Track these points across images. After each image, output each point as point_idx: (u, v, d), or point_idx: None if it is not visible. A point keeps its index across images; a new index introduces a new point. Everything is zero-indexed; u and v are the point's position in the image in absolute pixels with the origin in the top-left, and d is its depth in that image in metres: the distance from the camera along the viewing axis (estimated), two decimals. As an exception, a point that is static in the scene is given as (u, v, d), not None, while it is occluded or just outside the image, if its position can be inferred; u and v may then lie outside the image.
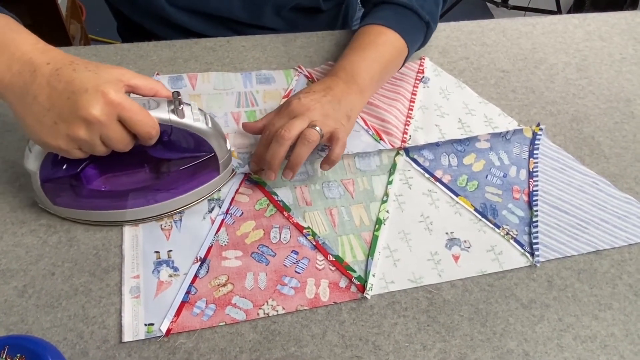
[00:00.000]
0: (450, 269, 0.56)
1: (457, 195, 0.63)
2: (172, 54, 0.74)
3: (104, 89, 0.44)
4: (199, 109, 0.52)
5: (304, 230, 0.57)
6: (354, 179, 0.63)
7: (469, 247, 0.58)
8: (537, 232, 0.60)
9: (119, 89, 0.45)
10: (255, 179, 0.61)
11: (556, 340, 0.52)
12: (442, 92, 0.75)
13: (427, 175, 0.64)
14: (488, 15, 2.54)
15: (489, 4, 2.52)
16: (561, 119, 0.74)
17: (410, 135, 0.68)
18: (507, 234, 0.60)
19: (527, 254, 0.58)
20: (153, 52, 0.74)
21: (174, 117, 0.49)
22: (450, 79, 0.77)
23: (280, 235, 0.57)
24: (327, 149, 0.61)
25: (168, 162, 0.55)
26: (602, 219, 0.62)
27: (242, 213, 0.58)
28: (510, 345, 0.51)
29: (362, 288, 0.53)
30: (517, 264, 0.57)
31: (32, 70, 0.45)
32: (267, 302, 0.52)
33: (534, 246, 0.58)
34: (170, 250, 0.54)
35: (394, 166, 0.65)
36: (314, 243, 0.57)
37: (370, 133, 0.67)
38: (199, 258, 0.54)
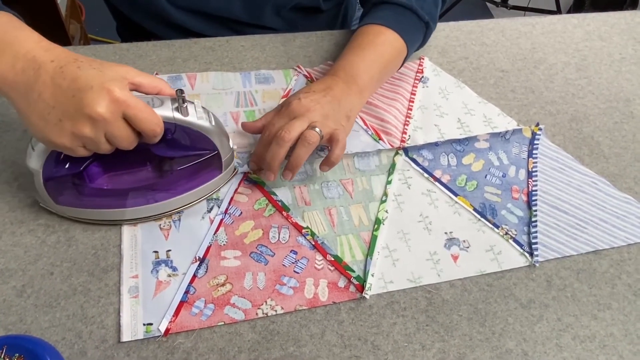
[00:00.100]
0: (449, 269, 0.56)
1: (456, 195, 0.63)
2: (171, 53, 0.74)
3: (109, 86, 0.44)
4: (203, 107, 0.52)
5: (303, 230, 0.57)
6: (353, 178, 0.63)
7: (468, 247, 0.58)
8: (536, 232, 0.60)
9: (123, 86, 0.45)
10: (254, 179, 0.61)
11: (555, 340, 0.52)
12: (441, 92, 0.75)
13: (426, 175, 0.64)
14: (488, 15, 2.54)
15: (488, 4, 2.52)
16: (560, 118, 0.74)
17: (409, 135, 0.68)
18: (506, 233, 0.60)
19: (526, 253, 0.58)
20: (152, 52, 0.74)
21: (178, 115, 0.49)
22: (449, 78, 0.77)
23: (279, 235, 0.57)
24: (326, 149, 0.61)
25: (171, 160, 0.55)
26: (601, 218, 0.62)
27: (241, 213, 0.58)
28: (509, 345, 0.51)
29: (361, 288, 0.53)
30: (516, 263, 0.57)
31: (36, 68, 0.45)
32: (266, 301, 0.52)
33: (533, 246, 0.58)
34: (169, 250, 0.54)
35: (393, 166, 0.65)
36: (313, 243, 0.56)
37: (370, 133, 0.67)
38: (197, 258, 0.54)
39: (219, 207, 0.58)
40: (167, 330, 0.49)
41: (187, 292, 0.52)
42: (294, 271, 0.54)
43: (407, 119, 0.70)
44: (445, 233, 0.59)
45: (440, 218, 0.60)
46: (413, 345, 0.50)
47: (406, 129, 0.68)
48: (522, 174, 0.66)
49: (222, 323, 0.50)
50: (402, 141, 0.67)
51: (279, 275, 0.54)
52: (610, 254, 0.60)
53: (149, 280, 0.52)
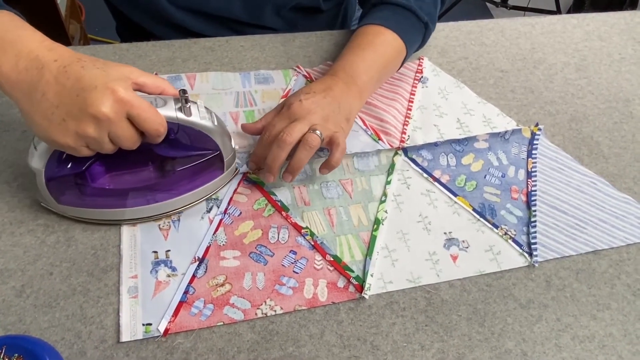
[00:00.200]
0: (448, 269, 0.56)
1: (455, 195, 0.63)
2: (171, 53, 0.74)
3: (113, 86, 0.44)
4: (205, 108, 0.53)
5: (303, 230, 0.57)
6: (352, 179, 0.63)
7: (467, 247, 0.58)
8: (535, 232, 0.60)
9: (127, 86, 0.46)
10: (253, 179, 0.61)
11: (554, 340, 0.52)
12: (440, 92, 0.75)
13: (425, 175, 0.64)
14: (487, 15, 2.54)
15: (488, 4, 2.52)
16: (560, 119, 0.74)
17: (408, 135, 0.68)
18: (506, 234, 0.60)
19: (525, 254, 0.58)
20: (152, 52, 0.74)
21: (181, 115, 0.50)
22: (449, 79, 0.77)
23: (278, 235, 0.57)
24: (325, 150, 0.61)
25: (173, 160, 0.55)
26: (600, 219, 0.62)
27: (241, 213, 0.58)
28: (509, 345, 0.51)
29: (360, 288, 0.53)
30: (515, 264, 0.57)
31: (40, 68, 0.45)
32: (265, 302, 0.52)
33: (532, 246, 0.58)
34: (169, 250, 0.54)
35: (392, 166, 0.65)
36: (312, 243, 0.57)
37: (369, 133, 0.67)
38: (197, 258, 0.54)
39: (218, 207, 0.58)
40: (166, 330, 0.49)
41: (186, 292, 0.52)
42: (293, 271, 0.54)
43: (407, 119, 0.70)
44: (445, 233, 0.59)
45: (440, 218, 0.60)
46: (412, 345, 0.50)
47: (405, 129, 0.68)
48: (522, 174, 0.66)
49: (222, 323, 0.50)
50: (402, 141, 0.67)
51: (278, 276, 0.54)
52: (609, 254, 0.60)
53: (148, 281, 0.52)
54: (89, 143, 0.47)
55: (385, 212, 0.60)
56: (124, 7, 0.82)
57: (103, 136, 0.46)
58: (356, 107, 0.63)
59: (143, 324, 0.49)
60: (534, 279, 0.57)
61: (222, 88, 0.71)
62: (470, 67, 0.79)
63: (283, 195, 0.60)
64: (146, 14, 0.80)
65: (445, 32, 0.84)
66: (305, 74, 0.74)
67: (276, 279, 0.53)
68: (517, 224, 0.61)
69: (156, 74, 0.71)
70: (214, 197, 0.59)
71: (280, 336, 0.50)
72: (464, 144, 0.68)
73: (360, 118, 0.69)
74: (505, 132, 0.69)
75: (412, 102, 0.72)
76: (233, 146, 0.57)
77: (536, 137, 0.70)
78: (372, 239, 0.57)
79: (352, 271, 0.55)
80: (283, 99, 0.69)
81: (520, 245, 0.59)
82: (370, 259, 0.56)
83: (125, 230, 0.55)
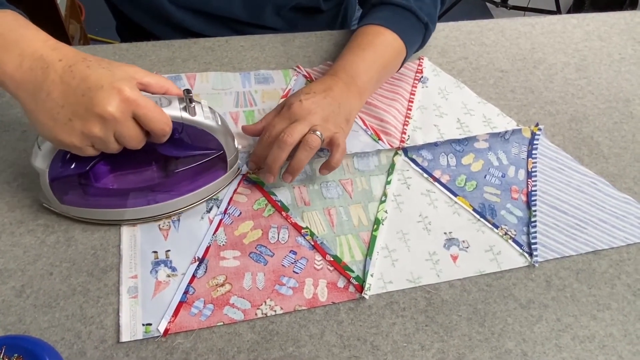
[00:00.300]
0: (448, 269, 0.56)
1: (455, 195, 0.63)
2: (171, 53, 0.74)
3: (120, 86, 0.44)
4: (209, 107, 0.53)
5: (302, 230, 0.57)
6: (352, 179, 0.63)
7: (467, 247, 0.58)
8: (535, 232, 0.60)
9: (133, 86, 0.46)
10: (253, 179, 0.61)
11: (554, 340, 0.52)
12: (440, 92, 0.75)
13: (425, 175, 0.64)
14: (487, 15, 2.54)
15: (488, 4, 2.52)
16: (560, 119, 0.74)
17: (408, 135, 0.68)
18: (506, 234, 0.60)
19: (525, 254, 0.58)
20: (152, 52, 0.74)
21: (185, 115, 0.50)
22: (449, 79, 0.77)
23: (278, 235, 0.57)
24: (325, 150, 0.61)
25: (177, 159, 0.55)
26: (600, 219, 0.62)
27: (240, 213, 0.58)
28: (509, 346, 0.51)
29: (361, 288, 0.53)
30: (515, 264, 0.57)
31: (45, 67, 0.45)
32: (265, 302, 0.52)
33: (533, 246, 0.58)
34: (168, 250, 0.54)
35: (392, 166, 0.65)
36: (312, 243, 0.56)
37: (369, 133, 0.67)
38: (197, 258, 0.54)
39: (218, 208, 0.58)
40: (166, 330, 0.49)
41: (186, 292, 0.52)
42: (293, 271, 0.54)
43: (407, 119, 0.70)
44: (445, 233, 0.59)
45: (440, 218, 0.60)
46: (412, 345, 0.50)
47: (405, 129, 0.68)
48: (522, 174, 0.66)
49: (222, 323, 0.50)
50: (402, 141, 0.67)
51: (278, 276, 0.54)
52: (609, 254, 0.60)
53: (148, 281, 0.52)
54: (94, 143, 0.47)
55: (386, 212, 0.60)
56: (125, 6, 0.82)
57: (109, 136, 0.46)
58: (356, 107, 0.63)
59: (143, 324, 0.49)
60: (534, 279, 0.57)
61: (222, 88, 0.71)
62: (471, 67, 0.79)
63: (283, 195, 0.60)
64: (147, 14, 0.80)
65: (445, 32, 0.84)
66: (305, 74, 0.74)
67: (276, 279, 0.53)
68: (517, 224, 0.61)
69: (156, 73, 0.71)
70: (214, 197, 0.59)
71: (280, 336, 0.50)
72: (464, 144, 0.68)
73: (360, 118, 0.69)
74: (506, 132, 0.69)
75: (412, 102, 0.72)
76: (236, 146, 0.57)
77: (536, 137, 0.70)
78: (372, 239, 0.57)
79: (352, 271, 0.55)
80: (283, 99, 0.69)
81: (520, 245, 0.59)
82: (370, 259, 0.56)
83: (125, 230, 0.55)
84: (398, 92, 0.73)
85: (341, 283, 0.54)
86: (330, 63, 0.75)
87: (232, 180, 0.60)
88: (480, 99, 0.74)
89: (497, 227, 0.60)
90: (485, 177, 0.65)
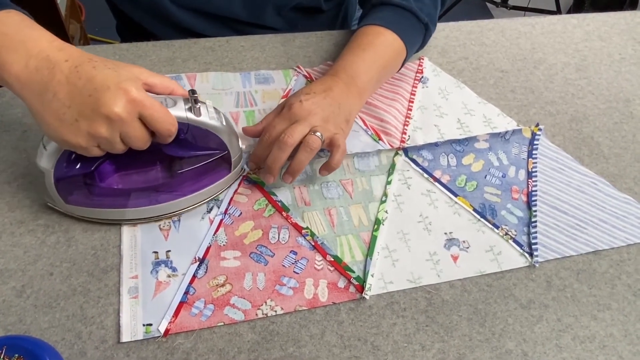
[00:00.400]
0: (449, 269, 0.56)
1: (456, 195, 0.63)
2: (171, 53, 0.74)
3: (126, 86, 0.44)
4: (214, 108, 0.53)
5: (303, 231, 0.57)
6: (352, 179, 0.63)
7: (467, 248, 0.58)
8: (535, 232, 0.60)
9: (139, 87, 0.46)
10: (254, 179, 0.61)
11: (555, 340, 0.52)
12: (441, 92, 0.75)
13: (426, 175, 0.64)
14: (487, 15, 2.54)
15: (488, 4, 2.52)
16: (560, 119, 0.74)
17: (409, 136, 0.68)
18: (506, 234, 0.60)
19: (526, 254, 0.58)
20: (152, 52, 0.74)
21: (190, 115, 0.50)
22: (449, 79, 0.77)
23: (278, 235, 0.57)
24: (325, 150, 0.61)
25: (181, 160, 0.56)
26: (601, 219, 0.62)
27: (241, 213, 0.58)
28: (509, 346, 0.51)
29: (361, 288, 0.53)
30: (516, 264, 0.57)
31: (51, 67, 0.45)
32: (266, 302, 0.52)
33: (533, 246, 0.58)
34: (169, 251, 0.54)
35: (392, 166, 0.65)
36: (313, 243, 0.56)
37: (369, 133, 0.67)
38: (197, 258, 0.54)
39: (218, 208, 0.58)
40: (166, 330, 0.49)
41: (186, 292, 0.52)
42: (294, 271, 0.54)
43: (407, 119, 0.70)
44: (445, 233, 0.59)
45: (440, 218, 0.60)
46: (413, 345, 0.50)
47: (406, 129, 0.68)
48: (522, 174, 0.66)
49: (222, 323, 0.50)
50: (402, 141, 0.67)
51: (279, 276, 0.54)
52: (610, 254, 0.60)
53: (148, 281, 0.52)
54: (100, 143, 0.47)
55: (386, 212, 0.60)
56: (125, 5, 0.82)
57: (115, 136, 0.46)
58: (356, 107, 0.63)
59: (143, 325, 0.49)
60: (535, 279, 0.57)
61: (222, 88, 0.71)
62: (471, 67, 0.79)
63: (283, 195, 0.60)
64: (147, 13, 0.80)
65: (445, 32, 0.84)
66: (306, 74, 0.74)
67: (277, 279, 0.53)
68: (518, 224, 0.61)
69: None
70: (215, 197, 0.59)
71: (281, 336, 0.50)
72: (464, 144, 0.68)
73: (361, 118, 0.69)
74: (506, 132, 0.69)
75: (412, 102, 0.72)
76: (241, 146, 0.57)
77: (536, 137, 0.70)
78: (373, 239, 0.57)
79: (353, 271, 0.55)
80: (283, 99, 0.69)
81: (520, 246, 0.59)
82: (371, 259, 0.56)
83: (126, 230, 0.55)
84: (398, 92, 0.73)
85: (342, 283, 0.54)
86: (330, 63, 0.75)
87: (237, 179, 0.60)
88: (480, 99, 0.74)
89: (497, 227, 0.60)
90: (485, 177, 0.65)
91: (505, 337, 0.52)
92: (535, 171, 0.66)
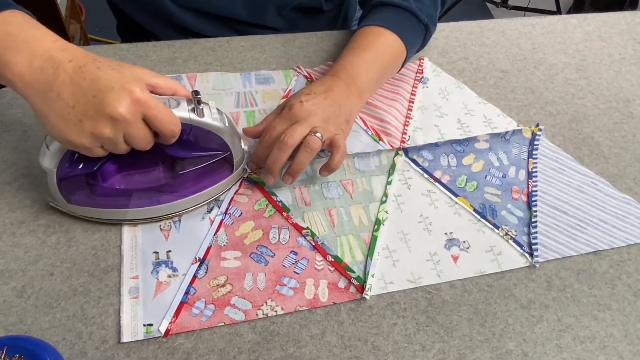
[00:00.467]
0: (449, 270, 0.56)
1: (456, 195, 0.63)
2: (171, 54, 0.74)
3: (130, 87, 0.44)
4: (217, 109, 0.53)
5: (303, 231, 0.57)
6: (353, 179, 0.63)
7: (468, 248, 0.58)
8: (536, 232, 0.60)
9: (143, 87, 0.46)
10: (254, 179, 0.61)
11: (555, 340, 0.52)
12: (441, 92, 0.75)
13: (426, 175, 0.64)
14: (488, 15, 2.54)
15: (488, 4, 2.52)
16: (560, 119, 0.74)
17: (409, 136, 0.68)
18: (506, 234, 0.60)
19: (526, 254, 0.58)
20: (152, 52, 0.74)
21: (193, 116, 0.50)
22: (449, 79, 0.77)
23: (279, 235, 0.57)
24: (325, 150, 0.61)
25: (183, 160, 0.56)
26: (601, 219, 0.62)
27: (241, 213, 0.58)
28: (509, 346, 0.51)
29: (361, 288, 0.53)
30: (516, 264, 0.57)
31: (55, 67, 0.45)
32: (266, 302, 0.52)
33: (533, 246, 0.58)
34: (169, 251, 0.54)
35: (393, 166, 0.65)
36: (313, 243, 0.57)
37: (370, 133, 0.67)
38: (197, 258, 0.54)
39: (219, 208, 0.58)
40: (167, 331, 0.49)
41: (187, 292, 0.52)
42: (294, 272, 0.54)
43: (407, 119, 0.70)
44: (445, 234, 0.59)
45: (440, 218, 0.60)
46: (413, 345, 0.50)
47: (406, 130, 0.68)
48: (522, 174, 0.66)
49: (222, 324, 0.50)
50: (402, 142, 0.67)
51: (279, 276, 0.54)
52: (610, 254, 0.60)
53: (149, 281, 0.52)
54: (104, 143, 0.47)
55: (386, 212, 0.60)
56: (126, 5, 0.82)
57: (118, 137, 0.46)
58: (356, 108, 0.63)
59: (144, 325, 0.49)
60: (535, 279, 0.57)
61: (223, 88, 0.71)
62: (471, 68, 0.79)
63: (284, 195, 0.60)
64: (148, 13, 0.80)
65: (445, 32, 0.84)
66: (306, 74, 0.74)
67: (277, 280, 0.53)
68: (518, 225, 0.61)
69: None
70: (216, 197, 0.59)
71: (281, 337, 0.50)
72: (464, 144, 0.68)
73: (361, 118, 0.69)
74: (506, 132, 0.69)
75: (412, 102, 0.72)
76: (243, 147, 0.57)
77: (537, 137, 0.70)
78: (373, 239, 0.57)
79: (353, 272, 0.55)
80: (284, 100, 0.69)
81: (521, 246, 0.59)
82: (371, 259, 0.56)
83: (126, 230, 0.55)
84: (398, 92, 0.73)
85: (342, 283, 0.54)
86: (330, 63, 0.75)
87: (239, 179, 0.60)
88: (480, 99, 0.74)
89: (497, 227, 0.60)
90: (485, 178, 0.65)
91: (506, 337, 0.52)
92: (536, 171, 0.66)
